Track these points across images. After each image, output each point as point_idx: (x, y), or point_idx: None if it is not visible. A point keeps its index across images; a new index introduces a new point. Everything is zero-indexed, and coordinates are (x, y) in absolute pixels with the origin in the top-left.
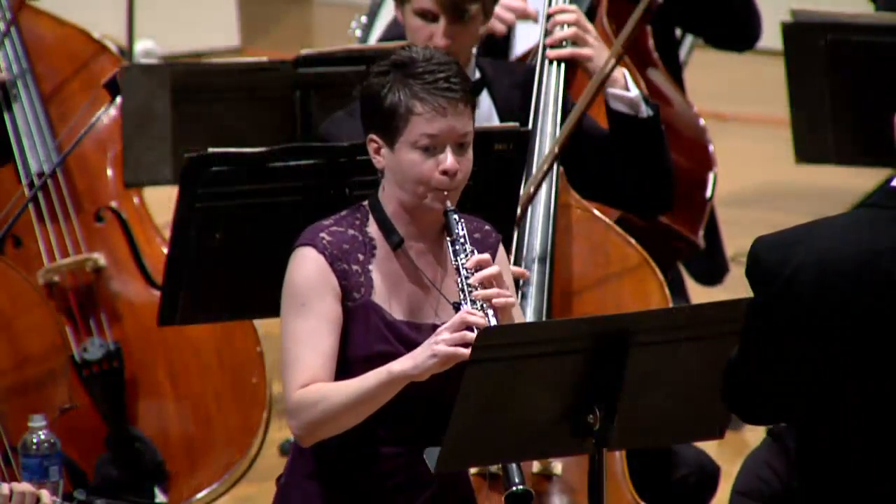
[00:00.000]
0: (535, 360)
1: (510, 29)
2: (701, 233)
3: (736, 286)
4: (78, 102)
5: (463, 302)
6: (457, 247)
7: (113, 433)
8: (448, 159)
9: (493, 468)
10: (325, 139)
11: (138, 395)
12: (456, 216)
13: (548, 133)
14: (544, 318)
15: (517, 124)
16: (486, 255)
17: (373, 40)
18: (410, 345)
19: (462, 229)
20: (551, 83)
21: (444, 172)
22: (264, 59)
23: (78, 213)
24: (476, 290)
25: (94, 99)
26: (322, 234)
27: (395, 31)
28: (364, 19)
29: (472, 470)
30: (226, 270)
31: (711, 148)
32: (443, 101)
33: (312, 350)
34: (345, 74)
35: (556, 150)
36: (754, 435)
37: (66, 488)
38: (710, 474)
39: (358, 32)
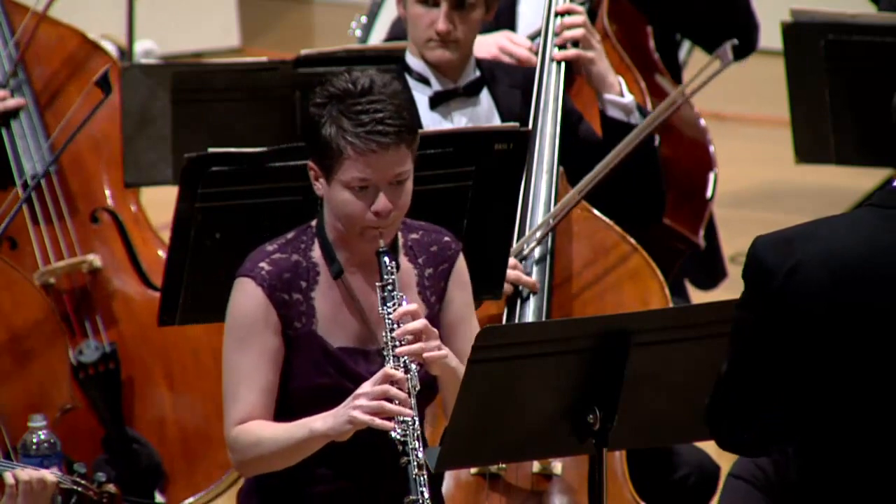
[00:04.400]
0: (535, 360)
1: (513, 5)
2: (701, 233)
3: (736, 287)
4: (73, 103)
5: (386, 357)
6: (384, 294)
7: (110, 435)
8: (380, 201)
9: (493, 468)
10: None
11: (135, 397)
12: (387, 259)
13: (547, 134)
14: (544, 318)
15: (517, 124)
16: (413, 307)
17: (373, 40)
18: (351, 375)
19: (392, 274)
20: (552, 82)
21: (377, 213)
22: (264, 59)
23: (73, 215)
24: (399, 343)
25: (87, 95)
26: (262, 265)
27: (399, 28)
28: (364, 19)
29: (472, 470)
30: (226, 270)
31: (712, 148)
32: (374, 145)
33: (250, 386)
34: None
35: (552, 221)
36: None
37: None
38: (709, 474)
39: (358, 32)
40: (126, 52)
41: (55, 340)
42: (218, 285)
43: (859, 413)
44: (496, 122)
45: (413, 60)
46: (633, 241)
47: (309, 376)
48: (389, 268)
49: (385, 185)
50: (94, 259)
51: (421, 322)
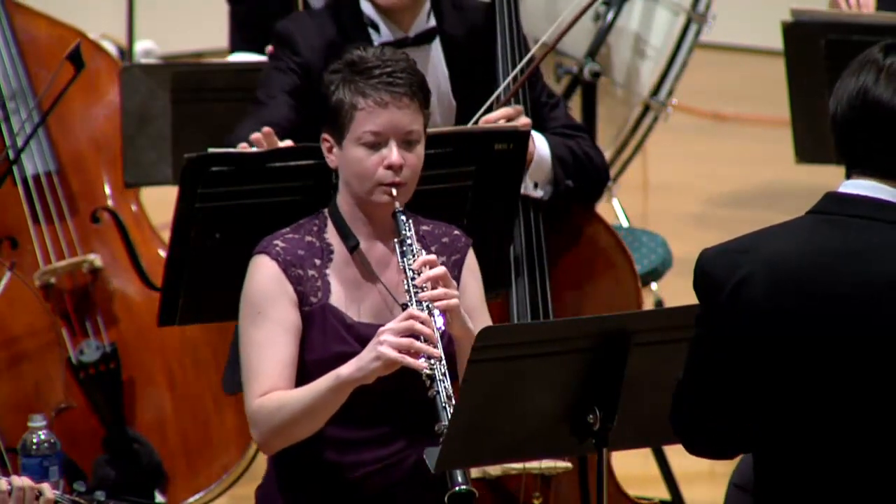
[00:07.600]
0: (535, 360)
1: None
2: None
3: None
4: (73, 102)
5: (409, 303)
6: (404, 248)
7: (110, 434)
8: (392, 153)
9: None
10: (280, 34)
11: (135, 397)
12: (403, 217)
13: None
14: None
15: (518, 125)
16: (433, 256)
17: None
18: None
19: (409, 230)
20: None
21: (389, 167)
22: (264, 59)
23: (74, 215)
24: (421, 290)
25: (61, 72)
26: (276, 242)
27: None
28: None
29: None
30: (225, 270)
31: None
32: (385, 94)
33: (270, 359)
34: None
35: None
36: None
37: (66, 489)
38: None
39: None
40: (126, 52)
41: (49, 341)
42: (218, 286)
43: (808, 423)
44: (442, 76)
45: (365, 5)
46: (604, 220)
47: (328, 347)
48: (407, 224)
49: (397, 140)
50: (95, 259)
51: (442, 269)
